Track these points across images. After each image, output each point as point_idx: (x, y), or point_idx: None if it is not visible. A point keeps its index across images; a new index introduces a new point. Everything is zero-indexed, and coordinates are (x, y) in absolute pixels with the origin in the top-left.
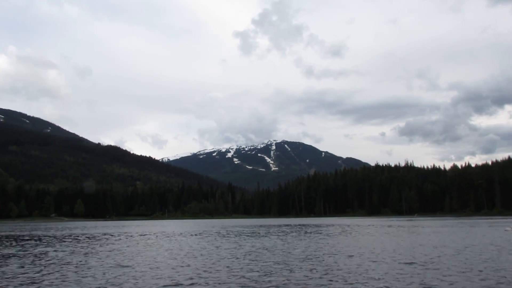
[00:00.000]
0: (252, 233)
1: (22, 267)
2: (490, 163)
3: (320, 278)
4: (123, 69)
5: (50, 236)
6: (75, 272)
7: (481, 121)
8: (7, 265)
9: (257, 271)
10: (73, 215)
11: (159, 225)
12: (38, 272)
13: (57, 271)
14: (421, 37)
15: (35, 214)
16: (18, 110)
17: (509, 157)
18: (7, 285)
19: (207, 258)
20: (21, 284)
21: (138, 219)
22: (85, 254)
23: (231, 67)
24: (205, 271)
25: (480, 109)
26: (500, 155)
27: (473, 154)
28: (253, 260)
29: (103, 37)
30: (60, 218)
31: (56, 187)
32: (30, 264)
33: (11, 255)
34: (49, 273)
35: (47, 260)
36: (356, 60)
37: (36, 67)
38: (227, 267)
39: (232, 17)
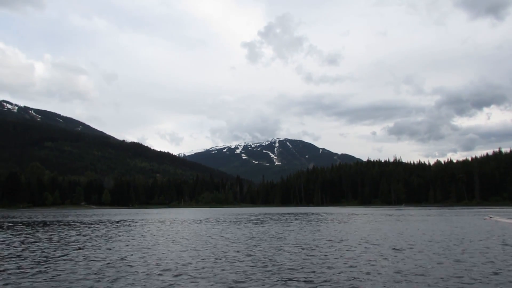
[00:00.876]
0: (273, 219)
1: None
2: (470, 159)
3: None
4: (145, 74)
5: (90, 222)
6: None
7: (462, 122)
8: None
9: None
10: (101, 203)
11: (180, 212)
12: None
13: (90, 248)
14: (408, 47)
15: (67, 202)
16: (53, 110)
17: (487, 154)
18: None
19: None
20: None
21: (158, 207)
22: (123, 234)
23: (239, 74)
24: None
25: (461, 111)
26: (479, 152)
27: (454, 151)
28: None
29: (127, 46)
30: (89, 206)
31: (86, 178)
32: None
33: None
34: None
35: (77, 240)
36: (350, 67)
37: (68, 73)
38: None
39: (241, 30)
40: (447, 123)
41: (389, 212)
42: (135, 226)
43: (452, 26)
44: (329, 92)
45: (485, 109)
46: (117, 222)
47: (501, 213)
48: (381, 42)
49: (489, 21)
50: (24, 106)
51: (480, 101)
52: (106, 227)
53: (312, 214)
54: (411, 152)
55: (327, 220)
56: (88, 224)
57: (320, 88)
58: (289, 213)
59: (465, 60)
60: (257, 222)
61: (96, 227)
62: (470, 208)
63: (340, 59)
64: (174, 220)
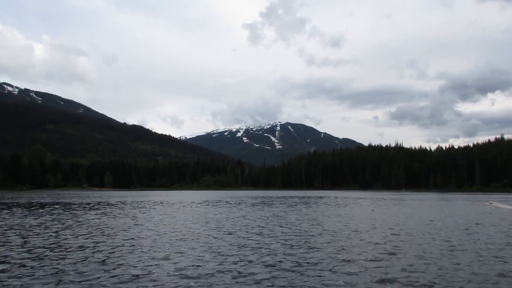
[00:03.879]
0: (278, 202)
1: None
2: (471, 145)
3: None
4: (145, 56)
5: (98, 203)
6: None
7: (465, 107)
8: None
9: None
10: (103, 185)
11: (182, 195)
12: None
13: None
14: (413, 30)
15: (69, 184)
16: (53, 93)
17: (489, 140)
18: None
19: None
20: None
21: (159, 190)
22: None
23: (240, 56)
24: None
25: (464, 97)
26: (481, 138)
27: (456, 137)
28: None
29: (127, 27)
30: (91, 188)
31: (87, 161)
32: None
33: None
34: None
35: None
36: (353, 50)
37: (68, 54)
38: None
39: (242, 10)
40: (450, 108)
41: (393, 197)
42: (150, 208)
43: (459, 9)
44: (332, 75)
45: (489, 95)
46: (126, 203)
47: (501, 199)
48: (385, 25)
49: (498, 3)
50: (25, 89)
51: (485, 87)
52: (122, 210)
53: (322, 197)
54: (413, 138)
55: (347, 204)
56: (109, 205)
57: (322, 71)
58: (294, 197)
59: (471, 44)
60: (272, 205)
61: (118, 209)
62: (470, 194)
63: (343, 42)
64: (180, 203)
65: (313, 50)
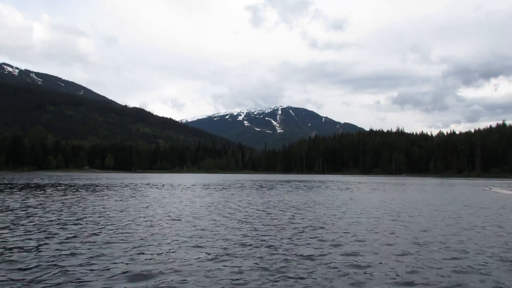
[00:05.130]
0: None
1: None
2: (473, 130)
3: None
4: (145, 38)
5: (103, 185)
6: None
7: (468, 92)
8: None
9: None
10: (104, 167)
11: (185, 178)
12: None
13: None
14: (418, 13)
15: (70, 166)
16: (53, 74)
17: (490, 126)
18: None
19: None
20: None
21: (160, 172)
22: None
23: (242, 39)
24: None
25: (467, 82)
26: (483, 124)
27: (458, 122)
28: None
29: (127, 8)
30: (93, 170)
31: (88, 143)
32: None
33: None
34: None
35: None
36: (356, 34)
37: (67, 35)
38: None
39: None
40: (453, 93)
41: (395, 181)
42: (152, 189)
43: None
44: (334, 59)
45: (493, 80)
46: (131, 185)
47: (502, 185)
48: (389, 8)
49: None
50: (25, 70)
51: (488, 72)
52: (128, 191)
53: (329, 182)
54: (415, 123)
55: (353, 190)
56: (115, 187)
57: (324, 55)
58: (298, 180)
59: (476, 28)
60: (279, 189)
61: (124, 191)
62: (469, 179)
63: (346, 25)
64: (181, 185)
65: (315, 33)
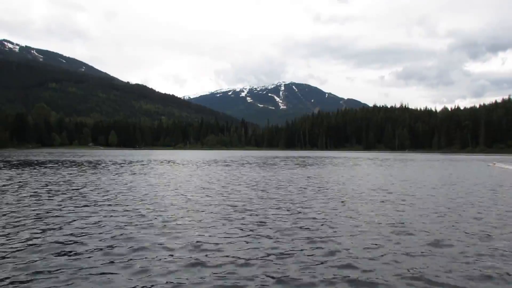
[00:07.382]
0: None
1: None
2: (478, 106)
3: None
4: (145, 12)
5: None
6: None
7: (475, 67)
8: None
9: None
10: (108, 144)
11: (189, 154)
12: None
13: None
14: None
15: (74, 143)
16: (54, 50)
17: (495, 101)
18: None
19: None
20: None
21: (164, 149)
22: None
23: (244, 12)
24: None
25: (474, 56)
26: (488, 99)
27: (464, 97)
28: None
29: None
30: (97, 147)
31: (91, 120)
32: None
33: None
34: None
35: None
36: (361, 6)
37: (67, 9)
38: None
39: None
40: (459, 68)
41: (400, 157)
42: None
43: None
44: (338, 33)
45: (500, 54)
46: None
47: (506, 160)
48: None
49: None
50: (26, 46)
51: (496, 45)
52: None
53: (337, 158)
54: (419, 98)
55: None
56: (131, 164)
57: (328, 29)
58: (301, 156)
59: (484, 0)
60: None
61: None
62: (473, 154)
63: None
64: (189, 162)
65: (319, 6)
